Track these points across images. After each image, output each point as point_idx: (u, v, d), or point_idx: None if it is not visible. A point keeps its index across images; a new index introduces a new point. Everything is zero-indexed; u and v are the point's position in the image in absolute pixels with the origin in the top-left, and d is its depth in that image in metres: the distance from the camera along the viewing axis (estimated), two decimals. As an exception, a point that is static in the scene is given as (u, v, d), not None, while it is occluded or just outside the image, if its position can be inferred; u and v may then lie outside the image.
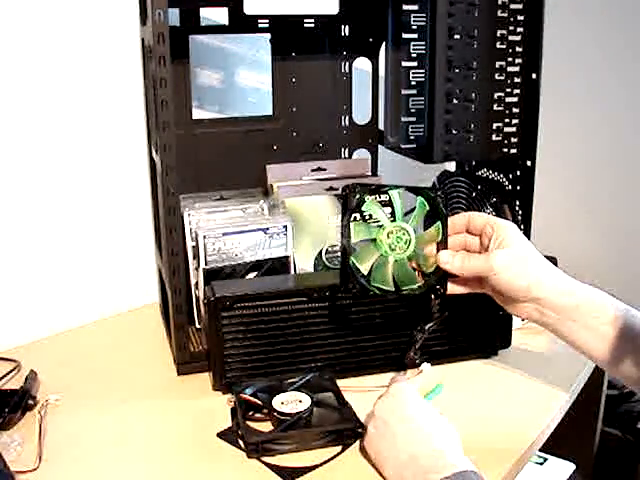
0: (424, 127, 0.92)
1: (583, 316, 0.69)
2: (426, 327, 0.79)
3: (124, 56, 0.97)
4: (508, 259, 0.69)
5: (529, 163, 0.92)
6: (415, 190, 0.73)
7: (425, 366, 0.85)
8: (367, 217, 0.73)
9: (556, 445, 0.92)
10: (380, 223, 0.71)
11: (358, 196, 0.71)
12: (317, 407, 0.74)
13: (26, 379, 0.80)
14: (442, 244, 0.72)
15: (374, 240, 0.71)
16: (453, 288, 0.73)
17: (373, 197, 0.72)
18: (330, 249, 1.00)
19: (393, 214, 0.72)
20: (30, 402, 0.77)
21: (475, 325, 0.87)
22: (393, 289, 0.72)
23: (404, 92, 0.95)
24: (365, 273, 0.71)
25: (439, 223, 0.72)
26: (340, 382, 0.79)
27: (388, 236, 0.71)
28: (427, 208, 0.72)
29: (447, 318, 0.84)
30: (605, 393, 1.09)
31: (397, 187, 0.72)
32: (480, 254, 0.72)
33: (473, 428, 0.73)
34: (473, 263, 0.70)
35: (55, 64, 0.91)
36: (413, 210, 0.72)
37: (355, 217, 0.72)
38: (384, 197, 0.74)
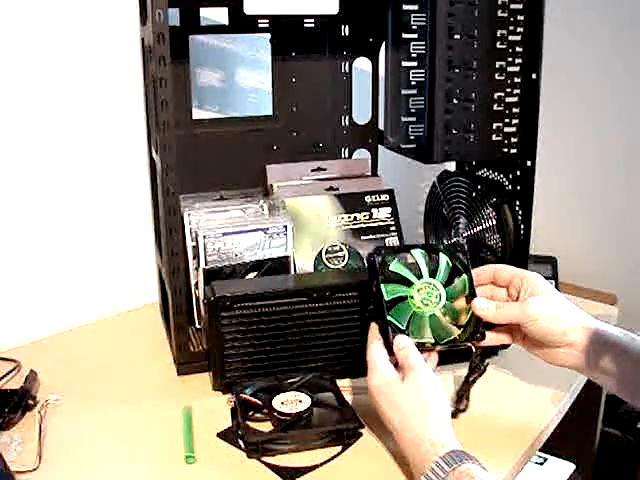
0: (424, 127, 0.92)
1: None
2: (470, 379, 0.77)
3: (124, 56, 0.97)
4: (543, 306, 0.71)
5: (529, 163, 0.92)
6: (435, 249, 0.77)
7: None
8: (395, 278, 0.75)
9: (556, 445, 0.92)
10: (409, 282, 0.74)
11: (381, 259, 0.74)
12: (317, 407, 0.74)
13: (26, 379, 0.80)
14: (470, 297, 0.74)
15: (406, 298, 0.74)
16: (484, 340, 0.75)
17: (397, 258, 0.75)
18: (330, 249, 1.00)
19: (420, 272, 0.75)
20: (30, 402, 0.77)
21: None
22: (433, 340, 0.73)
23: (404, 92, 0.95)
24: (403, 327, 0.73)
25: (464, 276, 0.75)
26: (340, 382, 0.79)
27: (419, 292, 0.74)
28: (451, 264, 0.76)
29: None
30: (605, 393, 1.09)
31: (417, 246, 0.77)
32: (512, 302, 0.74)
33: (473, 428, 0.73)
34: (508, 311, 0.73)
35: (55, 64, 0.91)
36: (438, 266, 0.76)
37: (383, 279, 0.74)
38: (410, 258, 0.77)
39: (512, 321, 0.73)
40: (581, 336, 0.71)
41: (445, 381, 0.82)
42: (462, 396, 0.76)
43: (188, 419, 0.75)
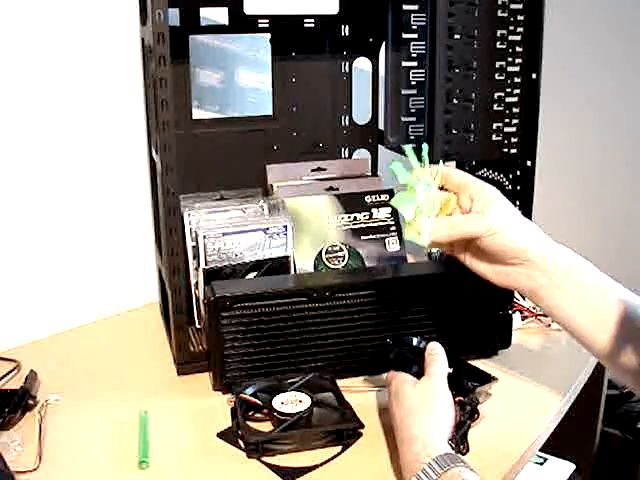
0: (424, 127, 0.92)
1: (577, 284, 0.65)
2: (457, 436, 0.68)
3: (124, 56, 0.97)
4: (505, 218, 0.64)
5: (529, 163, 0.92)
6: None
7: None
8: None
9: (556, 445, 0.92)
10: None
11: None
12: (317, 407, 0.74)
13: (26, 379, 0.80)
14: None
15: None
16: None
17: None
18: (330, 249, 1.00)
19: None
20: (30, 402, 0.77)
21: (475, 325, 0.86)
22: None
23: (404, 92, 0.95)
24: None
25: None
26: (340, 382, 0.79)
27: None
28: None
29: (446, 318, 0.84)
30: (605, 393, 1.09)
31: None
32: (467, 214, 0.66)
33: (473, 428, 0.73)
34: (463, 226, 0.65)
35: (55, 64, 0.91)
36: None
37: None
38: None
39: (469, 236, 0.65)
40: (542, 253, 0.64)
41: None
42: (459, 441, 0.68)
43: (144, 423, 0.74)
